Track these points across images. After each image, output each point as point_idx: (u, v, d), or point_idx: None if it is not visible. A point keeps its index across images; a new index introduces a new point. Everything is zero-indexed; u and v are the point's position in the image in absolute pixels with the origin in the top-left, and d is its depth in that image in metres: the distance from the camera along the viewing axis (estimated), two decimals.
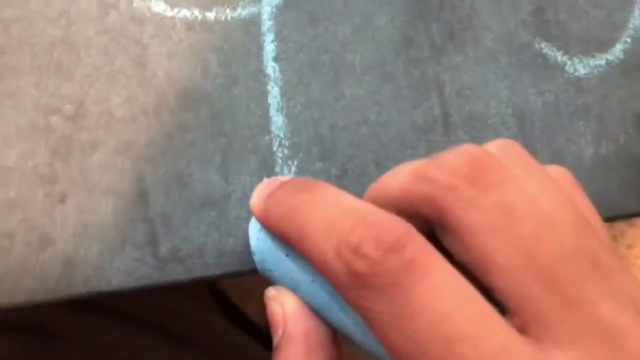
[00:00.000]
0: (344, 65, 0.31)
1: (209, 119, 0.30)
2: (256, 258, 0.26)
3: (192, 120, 0.30)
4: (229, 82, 0.31)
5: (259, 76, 0.31)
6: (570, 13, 0.33)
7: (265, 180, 0.26)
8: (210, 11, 0.31)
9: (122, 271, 0.29)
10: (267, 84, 0.31)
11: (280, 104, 0.31)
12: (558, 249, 0.20)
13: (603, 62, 0.33)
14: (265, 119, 0.31)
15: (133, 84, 0.30)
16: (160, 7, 0.30)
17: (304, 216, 0.22)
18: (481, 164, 0.21)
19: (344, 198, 0.22)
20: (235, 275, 0.30)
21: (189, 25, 0.31)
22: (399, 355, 0.19)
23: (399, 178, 0.23)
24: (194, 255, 0.29)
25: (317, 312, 0.24)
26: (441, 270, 0.20)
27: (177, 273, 0.29)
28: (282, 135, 0.31)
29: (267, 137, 0.30)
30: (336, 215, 0.21)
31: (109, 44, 0.30)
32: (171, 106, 0.30)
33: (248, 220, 0.30)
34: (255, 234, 0.26)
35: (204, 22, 0.31)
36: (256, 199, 0.25)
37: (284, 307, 0.24)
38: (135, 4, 0.30)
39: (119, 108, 0.30)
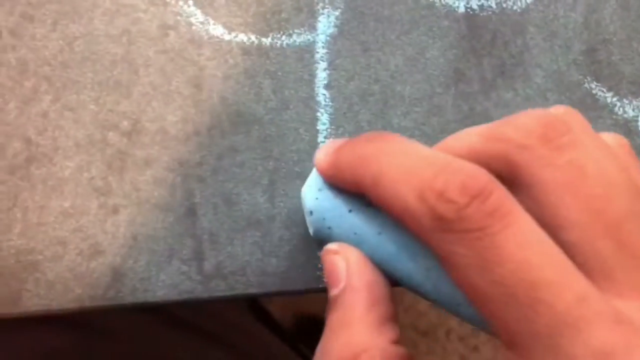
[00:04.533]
0: (393, 95, 0.32)
1: (259, 142, 0.31)
2: (313, 218, 0.26)
3: (243, 142, 0.31)
4: (280, 107, 0.31)
5: (310, 103, 0.31)
6: (623, 55, 0.33)
7: (330, 140, 0.27)
8: (267, 37, 0.32)
9: (168, 284, 0.30)
10: (317, 110, 0.31)
11: (329, 131, 0.31)
12: (622, 208, 0.21)
13: None
14: (314, 145, 0.31)
15: (188, 104, 0.31)
16: (218, 31, 0.31)
17: (380, 163, 0.23)
18: (553, 126, 0.22)
19: (421, 147, 0.23)
20: (277, 294, 0.31)
21: (245, 49, 0.31)
22: (481, 299, 0.20)
23: (464, 139, 0.24)
24: (237, 272, 0.30)
25: (381, 266, 0.25)
26: (523, 219, 0.20)
27: (220, 289, 0.30)
28: None
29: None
30: (416, 161, 0.22)
31: (167, 64, 0.31)
32: (223, 128, 0.31)
33: (291, 243, 0.31)
34: (314, 194, 0.26)
35: (260, 47, 0.31)
36: (322, 155, 0.26)
37: (348, 261, 0.24)
38: (194, 27, 0.31)
39: (174, 127, 0.31)
